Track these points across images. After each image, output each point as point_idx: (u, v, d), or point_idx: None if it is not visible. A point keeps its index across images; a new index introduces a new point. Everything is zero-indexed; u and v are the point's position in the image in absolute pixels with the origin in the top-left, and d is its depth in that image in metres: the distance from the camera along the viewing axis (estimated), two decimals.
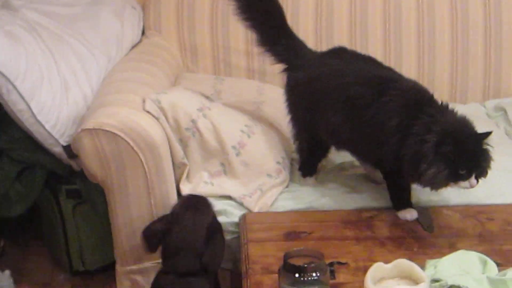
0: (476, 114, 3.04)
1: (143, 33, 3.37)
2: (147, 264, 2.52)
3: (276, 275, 1.96)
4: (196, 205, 2.40)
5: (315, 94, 2.54)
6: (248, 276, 2.18)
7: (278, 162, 2.69)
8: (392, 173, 2.44)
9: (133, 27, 3.26)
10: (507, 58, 3.36)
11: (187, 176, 2.63)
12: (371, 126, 2.38)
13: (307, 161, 2.72)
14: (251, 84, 3.24)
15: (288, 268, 1.92)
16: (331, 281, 2.05)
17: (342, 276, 2.15)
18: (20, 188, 2.86)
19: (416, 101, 2.34)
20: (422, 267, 1.99)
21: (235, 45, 3.35)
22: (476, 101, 3.33)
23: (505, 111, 3.18)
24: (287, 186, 2.68)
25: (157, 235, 2.35)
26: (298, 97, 2.64)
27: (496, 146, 2.30)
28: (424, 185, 2.30)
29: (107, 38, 3.07)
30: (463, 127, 2.28)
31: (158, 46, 3.28)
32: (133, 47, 3.23)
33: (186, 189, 2.59)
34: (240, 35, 3.33)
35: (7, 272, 3.00)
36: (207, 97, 2.79)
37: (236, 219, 2.53)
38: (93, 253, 3.06)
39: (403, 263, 1.96)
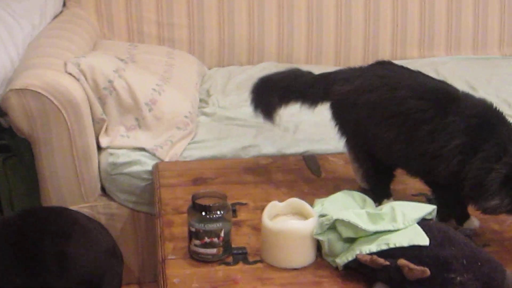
0: None
1: (64, 4, 3.31)
2: (71, 208, 2.49)
3: (186, 214, 1.95)
4: None
5: (365, 107, 2.12)
6: (161, 216, 2.18)
7: (186, 116, 2.69)
8: (442, 187, 2.06)
9: None
10: (384, 26, 3.44)
11: (106, 130, 2.60)
12: (430, 142, 1.99)
13: (378, 186, 2.22)
14: (162, 50, 3.22)
15: (195, 207, 1.92)
16: (233, 219, 2.07)
17: (242, 215, 2.17)
18: None
19: (485, 122, 1.95)
20: (312, 205, 2.02)
21: (147, 15, 3.32)
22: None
23: None
24: (194, 138, 2.68)
25: None
26: (346, 113, 2.19)
27: None
28: (480, 210, 1.95)
29: (31, 8, 2.99)
30: None
31: (77, 16, 3.22)
32: (55, 16, 3.16)
33: (104, 142, 2.57)
34: (151, 6, 3.32)
35: None
36: (122, 60, 2.75)
37: (149, 168, 2.52)
38: (22, 201, 2.98)
39: (295, 202, 1.98)
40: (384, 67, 2.21)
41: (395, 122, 2.06)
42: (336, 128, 2.24)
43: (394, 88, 2.07)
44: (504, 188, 1.88)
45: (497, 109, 2.00)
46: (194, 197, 1.95)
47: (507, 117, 1.99)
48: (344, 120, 2.22)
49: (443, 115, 1.97)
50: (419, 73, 2.16)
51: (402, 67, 2.19)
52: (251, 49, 3.39)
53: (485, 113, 1.97)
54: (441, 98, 2.01)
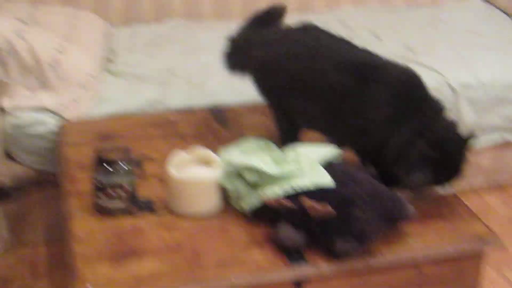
0: None
1: None
2: None
3: (91, 171, 1.93)
4: None
5: (286, 75, 2.08)
6: (65, 173, 2.14)
7: (90, 75, 2.65)
8: (369, 156, 2.01)
9: None
10: None
11: (8, 92, 2.53)
12: (355, 116, 1.96)
13: (288, 133, 2.19)
14: (65, 10, 3.14)
15: (99, 162, 1.89)
16: (141, 173, 2.06)
17: (150, 168, 2.14)
18: None
19: (408, 91, 1.94)
20: (218, 155, 2.01)
21: None
22: None
23: None
24: (100, 96, 2.64)
25: None
26: (267, 78, 2.15)
27: None
28: (404, 186, 1.92)
29: None
30: (452, 132, 1.94)
31: None
32: None
33: (7, 104, 2.50)
34: None
35: None
36: (23, 21, 2.68)
37: (54, 128, 2.48)
38: None
39: (200, 151, 1.98)
40: (306, 32, 2.13)
41: (317, 95, 2.02)
42: (257, 91, 2.21)
43: (314, 58, 2.03)
44: (425, 163, 1.88)
45: (420, 78, 1.97)
46: (98, 152, 1.92)
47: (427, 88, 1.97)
48: (264, 86, 2.19)
49: (365, 87, 1.94)
50: (342, 41, 2.11)
51: (326, 33, 2.13)
52: (157, 6, 3.34)
53: (408, 82, 1.95)
54: (362, 69, 1.97)
